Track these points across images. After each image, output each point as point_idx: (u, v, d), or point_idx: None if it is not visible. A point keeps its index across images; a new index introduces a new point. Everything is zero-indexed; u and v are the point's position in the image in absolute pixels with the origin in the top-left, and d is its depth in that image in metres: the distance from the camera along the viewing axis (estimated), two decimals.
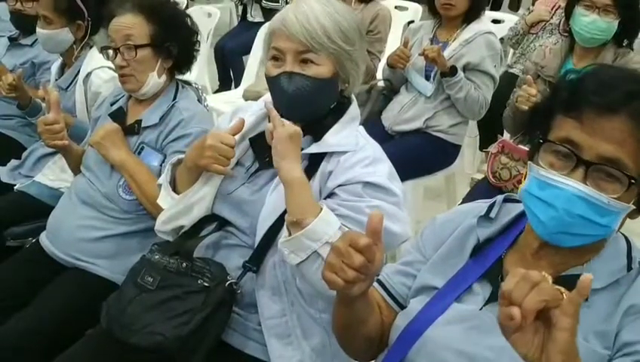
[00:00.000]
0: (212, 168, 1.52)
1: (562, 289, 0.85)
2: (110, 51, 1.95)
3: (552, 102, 1.08)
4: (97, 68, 2.41)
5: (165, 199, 1.63)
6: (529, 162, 1.08)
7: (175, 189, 1.63)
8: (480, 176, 2.93)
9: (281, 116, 1.47)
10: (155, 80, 1.97)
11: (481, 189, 2.64)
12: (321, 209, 1.37)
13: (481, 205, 1.26)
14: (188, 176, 1.59)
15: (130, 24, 1.92)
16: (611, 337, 1.03)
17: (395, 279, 1.30)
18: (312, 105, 1.49)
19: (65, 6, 2.46)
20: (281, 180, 1.42)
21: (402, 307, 1.28)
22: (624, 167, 0.99)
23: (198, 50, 2.09)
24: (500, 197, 1.23)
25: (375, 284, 1.31)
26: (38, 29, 2.51)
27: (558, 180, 1.02)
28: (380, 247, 1.02)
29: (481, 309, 1.14)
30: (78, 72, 2.49)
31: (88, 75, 2.43)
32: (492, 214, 1.22)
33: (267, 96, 1.58)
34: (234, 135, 1.52)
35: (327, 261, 1.04)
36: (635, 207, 1.03)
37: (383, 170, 1.48)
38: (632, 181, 0.99)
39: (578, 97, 1.03)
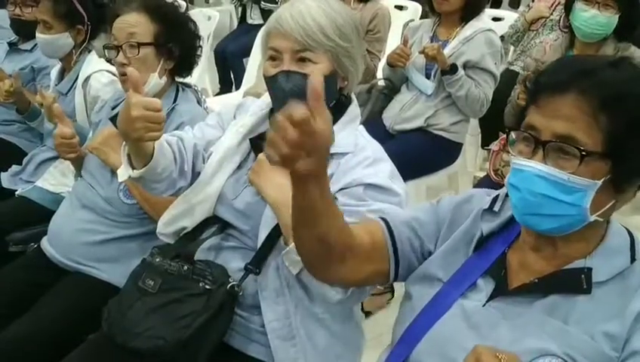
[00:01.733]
0: (146, 138, 1.39)
1: None
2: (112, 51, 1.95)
3: (527, 95, 1.12)
4: (96, 71, 2.41)
5: (121, 172, 1.52)
6: (509, 154, 1.11)
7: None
8: (482, 174, 2.93)
9: None
10: (156, 80, 1.97)
11: (483, 187, 2.60)
12: None
13: (488, 194, 1.26)
14: (135, 148, 1.47)
15: (134, 22, 1.92)
16: (620, 341, 1.03)
17: (404, 233, 1.26)
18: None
19: (64, 11, 2.46)
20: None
21: (397, 259, 1.25)
22: (577, 142, 1.01)
23: (199, 55, 2.09)
24: (503, 191, 1.23)
25: (382, 224, 1.27)
26: (37, 34, 2.51)
27: (521, 164, 1.06)
28: (323, 118, 0.98)
29: (484, 305, 1.14)
30: (78, 76, 2.49)
31: (87, 78, 2.43)
32: (496, 208, 1.22)
33: (266, 96, 1.58)
34: (137, 91, 1.38)
35: (267, 136, 0.99)
36: (600, 183, 1.03)
37: (384, 170, 1.47)
38: (584, 154, 1.01)
39: (537, 83, 1.07)
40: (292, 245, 1.33)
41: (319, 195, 1.09)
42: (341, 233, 1.18)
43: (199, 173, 1.62)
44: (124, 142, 1.50)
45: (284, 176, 1.23)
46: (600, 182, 1.03)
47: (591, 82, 1.02)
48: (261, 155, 1.43)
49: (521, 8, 4.39)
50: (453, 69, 2.83)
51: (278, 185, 1.39)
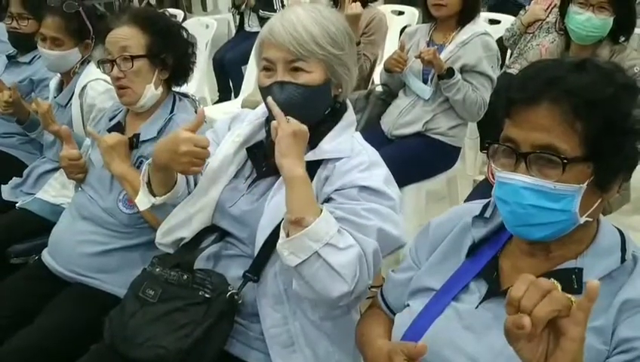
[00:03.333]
0: (190, 172, 1.52)
1: (572, 297, 0.84)
2: (107, 65, 1.96)
3: (499, 108, 1.13)
4: (92, 80, 2.42)
5: (142, 200, 1.60)
6: (494, 167, 1.12)
7: (151, 190, 1.60)
8: (482, 178, 2.92)
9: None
10: (152, 92, 1.98)
11: (482, 190, 2.63)
12: (322, 210, 1.37)
13: (475, 205, 1.28)
14: (163, 176, 1.56)
15: (126, 35, 1.93)
16: (608, 333, 1.04)
17: (396, 293, 1.35)
18: (305, 113, 1.49)
19: (75, 27, 2.48)
20: (283, 178, 1.41)
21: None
22: (557, 150, 1.02)
23: (194, 62, 2.10)
24: (493, 197, 1.24)
25: (378, 297, 1.36)
26: (46, 51, 2.49)
27: (505, 177, 1.07)
28: None
29: (477, 307, 1.15)
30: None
31: (84, 88, 2.44)
32: (487, 214, 1.24)
33: (263, 106, 1.59)
34: (195, 130, 1.49)
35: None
36: (585, 187, 1.04)
37: (379, 174, 1.48)
38: (565, 161, 1.02)
39: (508, 98, 1.08)
40: (305, 230, 1.31)
41: None
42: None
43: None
44: (144, 172, 1.58)
45: (303, 150, 1.40)
46: (585, 185, 1.04)
47: (560, 91, 1.03)
48: (274, 122, 1.41)
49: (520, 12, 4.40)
50: (449, 73, 2.84)
51: (303, 164, 1.40)
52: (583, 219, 1.07)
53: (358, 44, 3.13)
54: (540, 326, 0.82)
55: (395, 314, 1.31)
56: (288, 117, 1.41)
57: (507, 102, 1.08)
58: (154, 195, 1.59)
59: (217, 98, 5.22)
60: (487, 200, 1.26)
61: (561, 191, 1.03)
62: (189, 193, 1.62)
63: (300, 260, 1.33)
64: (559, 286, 0.85)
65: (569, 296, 0.84)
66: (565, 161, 1.02)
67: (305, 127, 1.42)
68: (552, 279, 0.86)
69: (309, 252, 1.32)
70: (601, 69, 1.07)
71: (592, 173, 1.04)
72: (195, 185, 1.63)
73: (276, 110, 1.42)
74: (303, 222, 1.32)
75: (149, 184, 1.60)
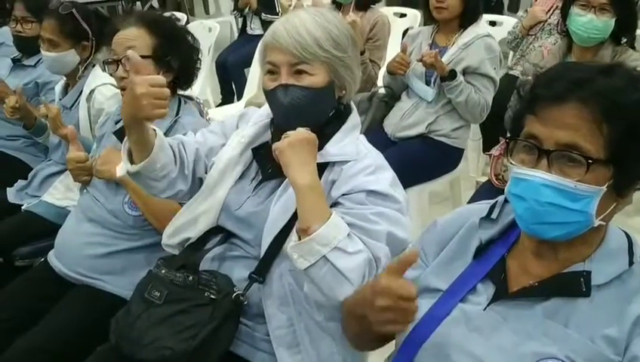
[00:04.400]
0: (154, 115, 1.41)
1: None
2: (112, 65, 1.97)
3: (521, 104, 1.13)
4: (100, 85, 2.44)
5: (121, 168, 1.55)
6: (508, 163, 1.11)
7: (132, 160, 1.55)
8: (484, 179, 2.93)
9: (281, 128, 1.49)
10: None
11: (485, 191, 2.64)
12: (331, 214, 1.38)
13: (481, 206, 1.27)
14: (137, 138, 1.49)
15: (132, 36, 1.95)
16: (622, 345, 1.04)
17: None
18: (309, 115, 1.50)
19: (70, 28, 2.49)
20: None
21: None
22: (582, 150, 1.03)
23: (199, 68, 2.11)
24: (500, 198, 1.24)
25: None
26: (43, 52, 2.53)
27: (525, 173, 1.06)
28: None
29: (485, 309, 1.15)
30: (82, 90, 2.51)
31: (91, 92, 2.45)
32: (493, 215, 1.23)
33: (267, 107, 1.60)
34: (139, 72, 1.42)
35: (384, 319, 1.09)
36: (605, 189, 1.05)
37: (385, 177, 1.49)
38: (590, 161, 1.02)
39: (533, 94, 1.08)
40: (313, 234, 1.33)
41: None
42: None
43: (200, 179, 1.64)
44: (124, 141, 1.53)
45: (313, 163, 1.39)
46: (605, 188, 1.04)
47: (589, 91, 1.03)
48: (287, 134, 1.42)
49: (520, 13, 4.40)
50: (451, 75, 2.85)
51: (310, 170, 1.40)
52: (597, 222, 1.07)
53: (363, 52, 3.15)
54: None
55: None
56: (287, 132, 1.43)
57: (532, 98, 1.08)
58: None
59: (220, 101, 5.23)
60: (493, 200, 1.26)
61: (580, 191, 1.03)
62: (181, 173, 1.59)
63: (308, 263, 1.35)
64: None
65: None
66: (590, 161, 1.02)
67: (303, 133, 1.42)
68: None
69: (318, 256, 1.34)
70: (629, 73, 1.07)
71: (611, 176, 1.04)
72: (202, 185, 1.64)
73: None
74: (308, 230, 1.35)
75: (130, 154, 1.54)
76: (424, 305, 1.22)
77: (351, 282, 1.34)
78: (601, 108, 1.02)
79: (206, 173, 1.64)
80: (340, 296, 1.36)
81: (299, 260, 1.36)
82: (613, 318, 1.05)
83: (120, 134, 2.05)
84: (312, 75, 1.48)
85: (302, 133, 1.43)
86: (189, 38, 2.09)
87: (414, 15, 4.61)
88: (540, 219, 1.07)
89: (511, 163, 1.09)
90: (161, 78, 1.44)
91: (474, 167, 3.98)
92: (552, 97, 1.05)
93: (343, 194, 1.46)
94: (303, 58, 1.46)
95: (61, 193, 2.46)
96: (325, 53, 1.47)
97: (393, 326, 1.08)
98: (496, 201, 1.25)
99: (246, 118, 1.69)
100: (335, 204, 1.47)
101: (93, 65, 2.56)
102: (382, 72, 3.39)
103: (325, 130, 1.54)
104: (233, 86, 5.19)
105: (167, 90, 1.43)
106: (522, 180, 1.07)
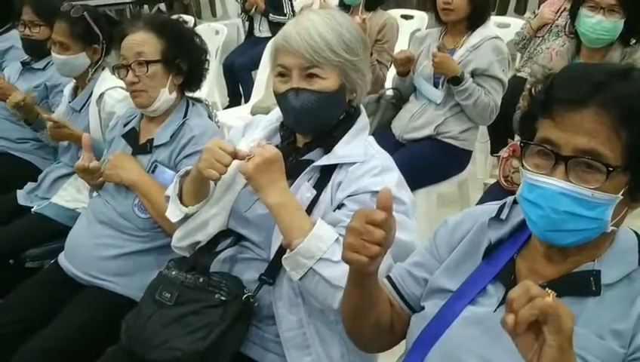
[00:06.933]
0: (205, 172, 1.48)
1: (555, 306, 0.86)
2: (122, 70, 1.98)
3: (534, 106, 1.11)
4: (110, 88, 2.44)
5: (174, 212, 1.63)
6: (520, 167, 1.10)
7: (182, 201, 1.64)
8: (493, 181, 2.93)
9: (292, 130, 1.49)
10: (166, 96, 2.00)
11: (493, 193, 2.63)
12: (313, 225, 1.39)
13: (491, 207, 1.27)
14: (192, 186, 1.60)
15: (141, 41, 1.96)
16: (628, 337, 1.04)
17: (408, 282, 1.32)
18: (320, 119, 1.51)
19: (81, 31, 2.51)
20: None
21: (411, 308, 1.30)
22: (601, 157, 1.01)
23: (207, 69, 2.12)
24: (510, 199, 1.24)
25: (385, 281, 1.33)
26: (54, 55, 2.54)
27: (541, 180, 1.04)
28: (391, 220, 1.08)
29: (495, 311, 1.15)
30: (92, 93, 2.52)
31: (101, 95, 2.46)
32: (503, 216, 1.23)
33: (277, 110, 1.61)
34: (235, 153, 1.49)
35: (347, 242, 1.08)
36: (622, 197, 1.04)
37: (391, 179, 1.49)
38: (610, 169, 1.00)
39: (549, 97, 1.06)
40: (296, 249, 1.37)
41: (375, 282, 1.21)
42: (387, 311, 1.29)
43: None
44: (174, 184, 1.64)
45: (282, 179, 1.42)
46: (621, 196, 1.03)
47: (608, 96, 1.01)
48: (254, 146, 1.47)
49: (527, 14, 4.39)
50: (456, 79, 2.84)
51: (280, 188, 1.43)
52: (610, 228, 1.06)
53: (371, 54, 3.15)
54: (521, 325, 0.86)
55: (398, 293, 1.32)
56: (252, 149, 1.46)
57: (548, 101, 1.05)
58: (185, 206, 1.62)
59: (227, 103, 5.25)
60: (502, 201, 1.26)
61: (597, 199, 1.02)
62: None
63: (299, 276, 1.40)
64: (552, 295, 0.87)
65: (554, 304, 0.86)
66: (610, 168, 1.00)
67: (267, 151, 1.43)
68: (547, 289, 0.88)
69: (305, 268, 1.39)
70: None
71: (627, 183, 1.03)
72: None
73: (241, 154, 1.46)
74: (291, 246, 1.39)
75: (180, 196, 1.63)
76: (434, 306, 1.22)
77: (343, 289, 1.34)
78: (619, 114, 1.01)
79: None
80: (334, 304, 1.39)
81: (292, 272, 1.42)
82: (621, 314, 1.05)
83: (128, 137, 2.06)
84: (323, 78, 1.48)
85: (266, 151, 1.44)
86: (197, 39, 2.09)
87: (421, 17, 4.61)
88: (556, 227, 1.05)
89: (527, 168, 1.07)
90: (230, 146, 1.48)
91: (482, 169, 3.97)
92: (571, 101, 1.02)
93: (348, 196, 1.47)
94: (314, 62, 1.47)
95: (71, 195, 2.48)
96: (337, 57, 1.48)
97: (357, 255, 1.07)
98: (505, 202, 1.25)
99: (253, 126, 1.69)
100: (340, 206, 1.47)
101: (103, 68, 2.57)
102: (390, 73, 3.39)
103: (334, 132, 1.55)
104: (240, 88, 5.20)
105: (228, 158, 1.46)
106: (537, 187, 1.05)
